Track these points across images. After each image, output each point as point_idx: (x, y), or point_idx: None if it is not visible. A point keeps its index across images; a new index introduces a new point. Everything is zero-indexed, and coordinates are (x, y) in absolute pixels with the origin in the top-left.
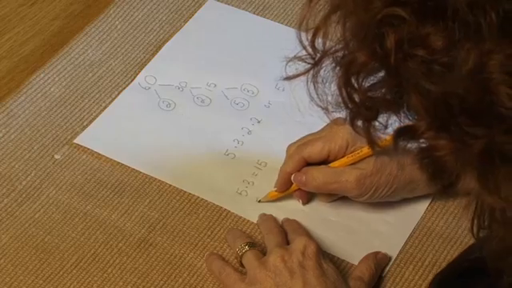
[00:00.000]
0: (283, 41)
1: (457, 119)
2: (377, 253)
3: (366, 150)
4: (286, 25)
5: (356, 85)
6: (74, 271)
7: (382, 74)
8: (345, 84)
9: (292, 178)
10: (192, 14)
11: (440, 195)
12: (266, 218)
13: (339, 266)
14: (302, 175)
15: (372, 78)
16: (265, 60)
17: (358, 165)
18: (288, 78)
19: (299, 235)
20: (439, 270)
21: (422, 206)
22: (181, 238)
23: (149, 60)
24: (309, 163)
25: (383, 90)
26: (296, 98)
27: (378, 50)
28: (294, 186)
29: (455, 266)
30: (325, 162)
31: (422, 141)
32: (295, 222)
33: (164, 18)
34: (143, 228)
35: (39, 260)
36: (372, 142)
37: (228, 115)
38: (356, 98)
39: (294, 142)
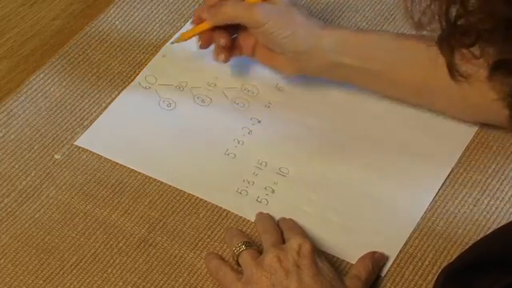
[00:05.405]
0: None
1: None
2: (374, 252)
3: None
4: None
5: (459, 4)
6: (74, 271)
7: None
8: (447, 1)
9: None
10: (192, 14)
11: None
12: (262, 217)
13: (339, 266)
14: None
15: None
16: None
17: None
18: None
19: (294, 234)
20: (449, 262)
21: (422, 206)
22: (181, 238)
23: (149, 60)
24: None
25: (486, 18)
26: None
27: None
28: (205, 24)
29: (465, 259)
30: None
31: None
32: (291, 220)
33: (164, 18)
34: (143, 228)
35: (39, 260)
36: (452, 68)
37: (228, 115)
38: (455, 18)
39: None
